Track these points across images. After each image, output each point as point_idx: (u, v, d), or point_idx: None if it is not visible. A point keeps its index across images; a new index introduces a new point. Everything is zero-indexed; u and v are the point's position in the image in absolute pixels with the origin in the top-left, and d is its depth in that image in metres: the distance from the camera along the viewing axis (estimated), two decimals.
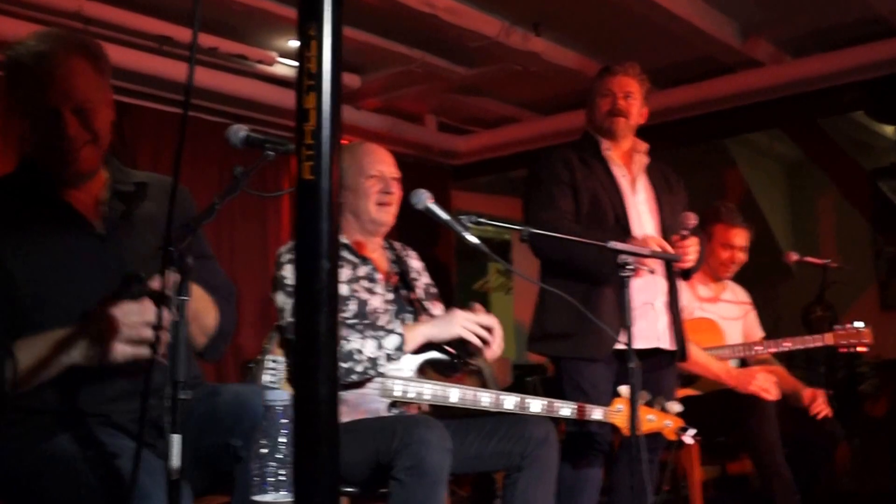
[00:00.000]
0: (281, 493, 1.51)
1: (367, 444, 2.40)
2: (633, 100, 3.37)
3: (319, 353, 0.99)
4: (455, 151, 6.92)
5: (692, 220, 3.13)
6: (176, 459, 1.55)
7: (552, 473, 2.69)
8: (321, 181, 0.98)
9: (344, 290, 2.67)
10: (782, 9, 4.94)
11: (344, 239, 2.80)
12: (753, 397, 3.66)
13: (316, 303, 0.99)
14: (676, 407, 2.82)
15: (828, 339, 3.88)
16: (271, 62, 5.09)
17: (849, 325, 3.87)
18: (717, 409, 3.68)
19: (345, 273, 2.71)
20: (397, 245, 3.01)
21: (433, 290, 2.98)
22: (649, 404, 2.79)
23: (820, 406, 3.87)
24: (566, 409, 2.76)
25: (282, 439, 1.52)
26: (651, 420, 2.79)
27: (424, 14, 4.54)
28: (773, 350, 3.95)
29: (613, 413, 2.79)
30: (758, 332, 4.18)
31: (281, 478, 1.52)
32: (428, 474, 2.29)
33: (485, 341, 2.64)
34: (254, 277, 5.39)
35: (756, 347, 3.96)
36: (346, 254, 2.77)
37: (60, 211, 1.97)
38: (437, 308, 2.91)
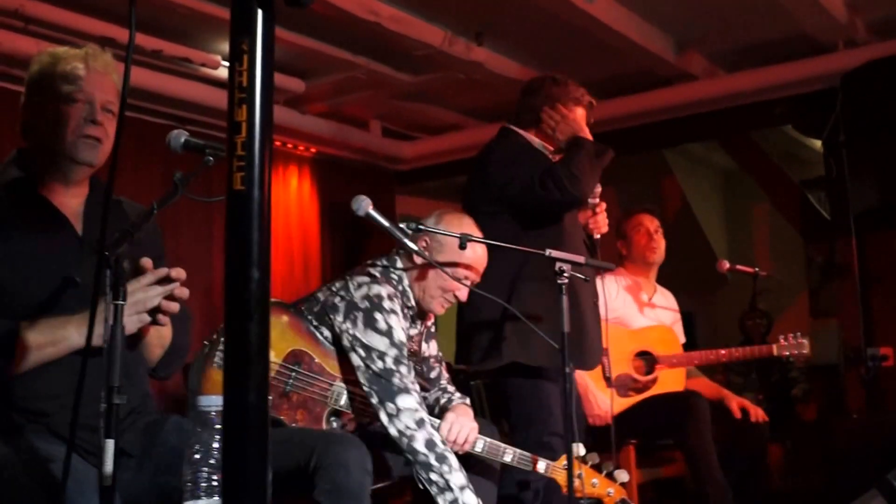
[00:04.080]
0: (214, 498, 1.49)
1: (289, 455, 2.32)
2: None
3: (250, 361, 0.99)
4: (400, 157, 6.95)
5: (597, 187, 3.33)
6: (109, 465, 1.56)
7: (493, 479, 2.75)
8: (252, 191, 0.98)
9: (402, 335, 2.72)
10: (716, 25, 5.06)
11: (412, 301, 2.85)
12: (690, 403, 3.75)
13: (247, 311, 0.99)
14: (623, 476, 2.77)
15: (774, 349, 4.02)
16: (216, 66, 5.05)
17: (791, 336, 4.01)
18: (654, 413, 3.77)
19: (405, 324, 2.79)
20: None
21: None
22: (597, 468, 2.75)
23: (754, 415, 3.96)
24: (508, 455, 2.75)
25: (215, 444, 1.51)
26: (594, 485, 2.75)
27: (369, 22, 4.56)
28: (725, 359, 4.08)
29: (558, 469, 2.75)
30: (681, 339, 4.28)
31: (214, 483, 1.50)
32: (347, 497, 2.22)
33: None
34: (196, 285, 5.29)
35: (715, 354, 4.06)
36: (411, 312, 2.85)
37: (45, 210, 2.08)
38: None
